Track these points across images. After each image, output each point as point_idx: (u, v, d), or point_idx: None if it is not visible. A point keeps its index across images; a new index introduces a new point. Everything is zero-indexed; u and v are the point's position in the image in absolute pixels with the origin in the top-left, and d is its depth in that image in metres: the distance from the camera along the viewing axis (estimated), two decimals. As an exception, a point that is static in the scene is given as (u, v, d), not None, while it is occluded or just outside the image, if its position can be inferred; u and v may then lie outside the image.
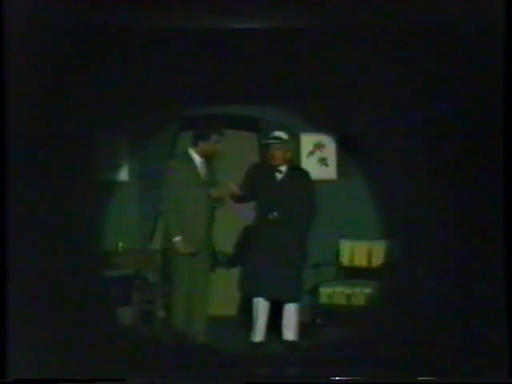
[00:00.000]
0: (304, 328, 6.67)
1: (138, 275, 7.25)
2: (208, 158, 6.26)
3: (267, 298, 6.27)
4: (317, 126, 7.40)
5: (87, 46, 5.44)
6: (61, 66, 5.37)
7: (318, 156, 7.72)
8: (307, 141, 7.71)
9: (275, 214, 6.24)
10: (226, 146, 6.39)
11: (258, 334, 6.30)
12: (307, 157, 7.72)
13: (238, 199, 6.34)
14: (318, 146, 7.72)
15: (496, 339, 5.11)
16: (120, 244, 7.26)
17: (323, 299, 7.12)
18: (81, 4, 5.32)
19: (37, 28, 5.26)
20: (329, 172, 7.70)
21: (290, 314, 6.30)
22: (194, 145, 6.25)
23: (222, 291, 7.49)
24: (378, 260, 7.34)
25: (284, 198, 6.27)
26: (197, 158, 6.23)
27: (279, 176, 6.34)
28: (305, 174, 6.50)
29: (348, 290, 7.06)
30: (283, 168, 6.33)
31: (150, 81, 5.89)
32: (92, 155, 5.95)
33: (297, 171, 6.45)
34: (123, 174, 7.58)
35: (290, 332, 6.31)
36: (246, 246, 6.61)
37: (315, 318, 7.19)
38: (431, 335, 5.33)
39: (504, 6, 5.12)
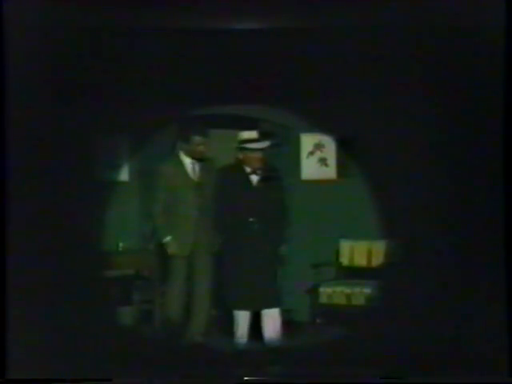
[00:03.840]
0: (303, 328, 6.68)
1: (137, 275, 7.26)
2: (196, 160, 6.19)
3: (247, 310, 6.11)
4: (317, 126, 7.40)
5: (87, 47, 5.44)
6: (61, 66, 5.37)
7: (317, 156, 7.72)
8: (307, 141, 7.71)
9: (251, 219, 6.03)
10: (222, 147, 6.35)
11: (241, 339, 6.12)
12: (307, 157, 7.72)
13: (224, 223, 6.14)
14: (318, 146, 7.72)
15: (496, 339, 5.11)
16: (120, 244, 7.26)
17: (323, 299, 7.12)
18: (80, 5, 5.32)
19: (36, 29, 5.26)
20: (329, 172, 7.70)
21: (270, 317, 6.11)
22: (181, 147, 6.21)
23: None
24: (377, 260, 7.34)
25: (261, 203, 6.05)
26: (187, 160, 6.18)
27: (255, 179, 6.11)
28: (279, 174, 6.29)
29: (348, 290, 7.06)
30: (260, 171, 6.11)
31: (151, 81, 5.88)
32: (92, 155, 5.94)
33: (272, 172, 6.18)
34: (123, 174, 7.58)
35: (272, 334, 6.13)
36: (224, 254, 6.47)
37: (315, 318, 7.19)
38: (431, 335, 5.33)
39: (504, 5, 5.13)
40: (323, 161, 7.71)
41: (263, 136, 6.11)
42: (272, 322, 6.10)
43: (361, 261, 7.44)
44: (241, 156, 6.11)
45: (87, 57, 5.45)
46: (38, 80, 5.31)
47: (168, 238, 6.07)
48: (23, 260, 5.16)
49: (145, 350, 5.55)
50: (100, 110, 5.68)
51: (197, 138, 6.11)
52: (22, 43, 5.21)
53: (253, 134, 6.12)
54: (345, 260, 7.50)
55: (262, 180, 6.13)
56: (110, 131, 6.52)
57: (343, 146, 7.54)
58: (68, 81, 5.41)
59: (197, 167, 6.19)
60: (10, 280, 5.11)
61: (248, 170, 6.11)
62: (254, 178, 6.12)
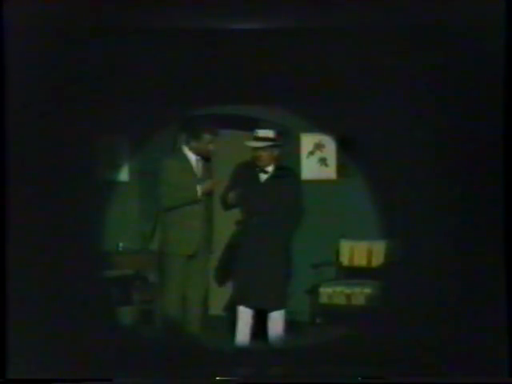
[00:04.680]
0: (303, 328, 6.68)
1: (138, 275, 7.25)
2: (202, 157, 6.19)
3: (250, 308, 6.07)
4: (317, 126, 7.40)
5: (87, 47, 5.44)
6: (61, 66, 5.37)
7: (318, 156, 7.72)
8: (307, 141, 7.72)
9: (257, 217, 6.03)
10: (225, 146, 6.34)
11: (242, 337, 6.10)
12: (307, 157, 7.72)
13: (226, 204, 6.13)
14: (318, 146, 7.72)
15: (496, 339, 5.11)
16: (120, 244, 7.26)
17: (323, 299, 7.12)
18: (80, 5, 5.32)
19: (37, 29, 5.26)
20: (329, 172, 7.70)
21: (275, 319, 6.10)
22: (187, 143, 6.18)
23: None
24: (377, 260, 7.35)
25: (268, 200, 6.05)
26: (192, 157, 6.16)
27: (264, 177, 6.11)
28: (292, 173, 6.27)
29: (348, 290, 7.06)
30: (269, 168, 6.10)
31: (151, 81, 5.89)
32: (92, 155, 5.94)
33: (283, 171, 6.16)
34: (123, 174, 7.58)
35: (276, 334, 6.12)
36: (230, 251, 6.47)
37: (315, 318, 7.19)
38: (431, 335, 5.33)
39: (504, 5, 5.13)
40: (323, 161, 7.71)
41: (267, 135, 6.11)
42: (275, 322, 6.12)
43: (361, 261, 7.45)
44: (252, 154, 6.13)
45: (88, 56, 5.45)
46: (38, 80, 5.31)
47: (200, 187, 6.04)
48: (23, 260, 5.16)
49: (145, 350, 5.55)
50: (101, 109, 5.68)
51: (207, 137, 6.11)
52: (22, 43, 5.21)
53: (258, 133, 6.13)
54: (345, 260, 7.51)
55: (270, 178, 6.13)
56: (111, 131, 6.52)
57: (343, 146, 7.54)
58: (69, 80, 5.41)
59: (200, 164, 6.18)
60: (10, 280, 5.11)
61: (258, 167, 6.12)
62: (263, 176, 6.13)
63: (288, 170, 6.27)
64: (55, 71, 5.36)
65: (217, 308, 7.27)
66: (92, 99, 5.59)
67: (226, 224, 6.58)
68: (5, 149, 5.14)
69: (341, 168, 7.65)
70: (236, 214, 6.31)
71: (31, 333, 5.17)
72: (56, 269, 5.28)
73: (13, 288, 5.11)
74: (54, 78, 5.35)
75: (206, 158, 6.19)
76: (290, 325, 6.42)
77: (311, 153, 7.72)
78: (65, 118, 5.43)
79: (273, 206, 6.07)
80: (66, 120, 5.44)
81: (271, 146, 6.06)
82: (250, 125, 7.49)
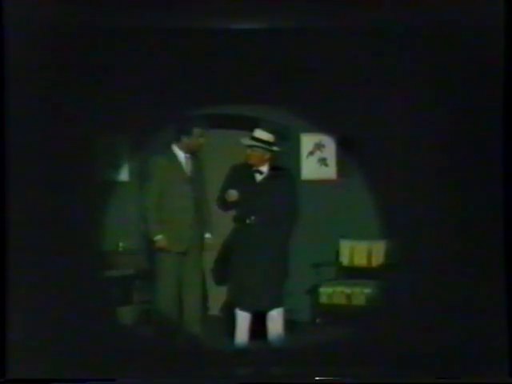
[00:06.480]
0: (303, 328, 6.68)
1: (138, 275, 7.25)
2: (192, 153, 6.14)
3: (247, 310, 6.07)
4: (317, 126, 7.40)
5: (87, 46, 5.45)
6: (61, 65, 5.38)
7: (317, 156, 7.72)
8: (307, 141, 7.71)
9: (252, 217, 6.03)
10: (215, 144, 6.32)
11: (241, 338, 6.10)
12: (307, 157, 7.72)
13: (225, 205, 6.13)
14: (318, 146, 7.72)
15: (496, 339, 5.12)
16: (120, 244, 7.25)
17: (323, 299, 7.12)
18: (81, 5, 5.33)
19: (37, 28, 5.27)
20: (329, 172, 7.70)
21: (274, 319, 6.09)
22: (177, 140, 6.12)
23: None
24: (377, 260, 7.34)
25: (263, 201, 6.04)
26: (181, 154, 6.11)
27: (259, 177, 6.11)
28: (287, 174, 6.25)
29: (348, 290, 7.07)
30: (264, 168, 6.11)
31: (151, 81, 5.89)
32: (92, 155, 5.94)
33: (278, 171, 6.14)
34: (123, 174, 7.57)
35: (276, 334, 6.11)
36: (226, 251, 6.44)
37: (315, 318, 7.19)
38: (431, 335, 5.33)
39: (504, 5, 5.14)
40: (323, 161, 7.71)
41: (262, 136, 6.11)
42: (275, 321, 6.11)
43: (361, 261, 7.44)
44: (246, 154, 6.12)
45: (88, 56, 5.46)
46: (37, 80, 5.31)
47: (159, 237, 6.01)
48: (23, 260, 5.16)
49: (145, 350, 5.55)
50: (101, 109, 5.68)
51: (198, 130, 6.09)
52: (22, 42, 5.22)
53: (254, 133, 6.13)
54: (345, 260, 7.51)
55: (266, 178, 6.12)
56: (111, 131, 6.52)
57: (343, 146, 7.54)
58: (69, 80, 5.42)
59: (190, 162, 6.17)
60: (11, 280, 5.11)
61: (253, 168, 6.11)
62: (258, 176, 6.13)
63: (283, 170, 6.24)
64: (55, 71, 5.36)
65: (216, 308, 7.26)
66: (92, 99, 5.59)
67: (222, 223, 6.59)
68: (5, 149, 5.15)
69: (341, 168, 7.64)
70: (232, 213, 6.31)
71: (31, 333, 5.18)
72: (56, 269, 5.29)
73: (13, 288, 5.12)
74: (53, 78, 5.36)
75: (195, 155, 6.18)
76: (290, 325, 6.43)
77: (311, 153, 7.72)
78: (65, 117, 5.43)
79: (268, 206, 6.06)
80: (66, 120, 5.44)
81: (262, 148, 6.06)
82: (250, 125, 7.49)
